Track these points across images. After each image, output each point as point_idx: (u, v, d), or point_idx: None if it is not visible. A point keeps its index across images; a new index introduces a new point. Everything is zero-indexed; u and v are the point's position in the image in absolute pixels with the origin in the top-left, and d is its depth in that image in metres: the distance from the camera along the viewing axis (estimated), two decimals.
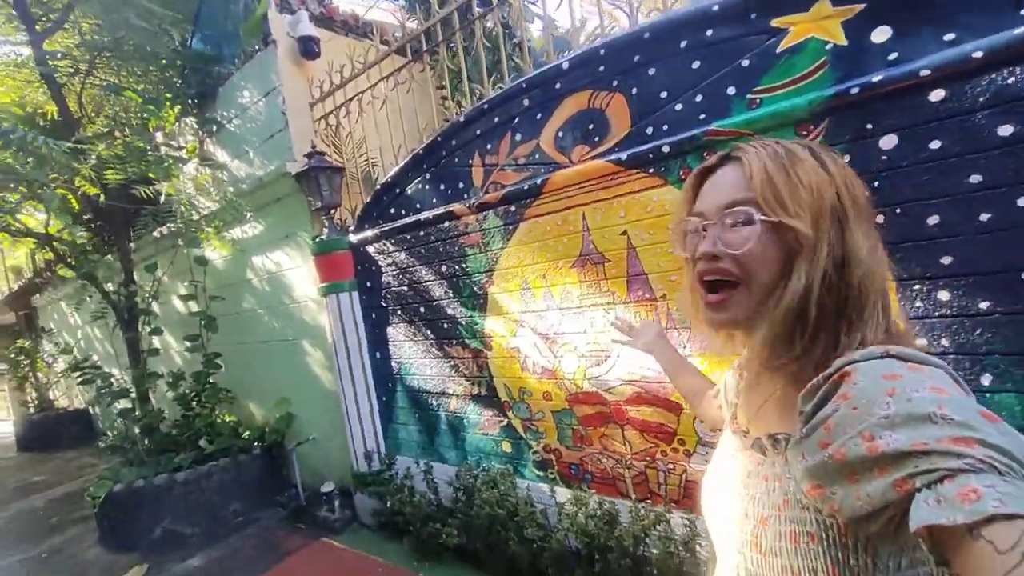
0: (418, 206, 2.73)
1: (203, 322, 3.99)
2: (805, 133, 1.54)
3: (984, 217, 1.32)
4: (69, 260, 4.61)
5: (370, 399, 3.16)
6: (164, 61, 3.87)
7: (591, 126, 2.02)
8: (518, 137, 2.25)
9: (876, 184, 1.45)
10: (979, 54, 1.27)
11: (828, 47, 1.50)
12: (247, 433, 3.97)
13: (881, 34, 1.42)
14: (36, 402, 8.47)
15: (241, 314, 4.10)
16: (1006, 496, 0.33)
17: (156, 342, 4.26)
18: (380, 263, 2.99)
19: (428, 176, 2.65)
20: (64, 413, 7.78)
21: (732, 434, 0.65)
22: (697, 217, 0.58)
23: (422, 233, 2.71)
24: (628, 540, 1.83)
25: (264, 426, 3.98)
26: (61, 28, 3.69)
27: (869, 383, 0.44)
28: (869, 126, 1.45)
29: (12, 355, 8.15)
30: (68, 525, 3.93)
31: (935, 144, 1.37)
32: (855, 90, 1.43)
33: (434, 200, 2.65)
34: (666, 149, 1.79)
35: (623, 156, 1.90)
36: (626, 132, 1.93)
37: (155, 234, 4.38)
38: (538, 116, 2.17)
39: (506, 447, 2.52)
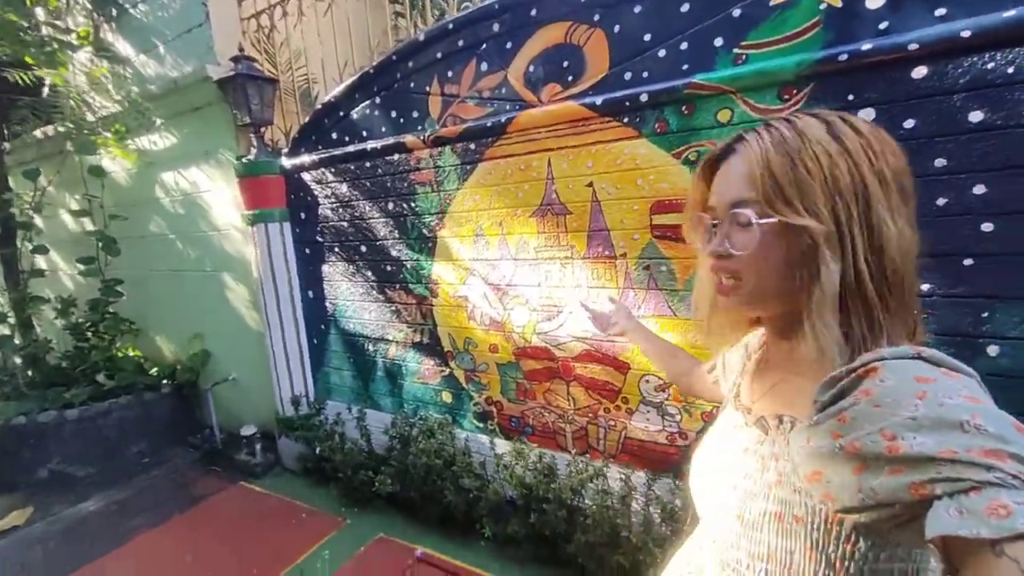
0: (364, 133, 2.45)
1: (100, 243, 3.47)
2: (788, 97, 1.49)
3: (941, 201, 1.35)
4: None
5: (300, 340, 2.94)
6: None
7: (566, 63, 1.85)
8: (484, 67, 2.03)
9: None
10: (967, 33, 1.25)
11: (823, 6, 1.42)
12: (155, 370, 3.61)
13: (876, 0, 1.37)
14: None
15: (148, 238, 3.62)
16: None
17: (41, 262, 3.68)
18: (317, 193, 2.70)
19: (378, 100, 2.37)
20: None
21: (734, 411, 0.64)
22: (709, 212, 0.57)
23: (368, 164, 2.45)
24: (566, 493, 1.85)
25: (175, 363, 3.63)
26: None
27: (898, 383, 0.42)
28: (851, 97, 1.42)
29: None
30: None
31: (909, 123, 1.37)
32: (843, 57, 1.38)
33: (383, 128, 2.38)
34: (644, 98, 1.68)
35: (597, 101, 1.77)
36: (603, 74, 1.79)
37: (37, 134, 3.69)
38: (508, 45, 1.95)
39: (446, 397, 2.45)
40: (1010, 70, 1.24)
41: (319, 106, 2.56)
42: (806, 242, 0.48)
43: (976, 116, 1.29)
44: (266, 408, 3.09)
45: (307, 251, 2.84)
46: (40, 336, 3.66)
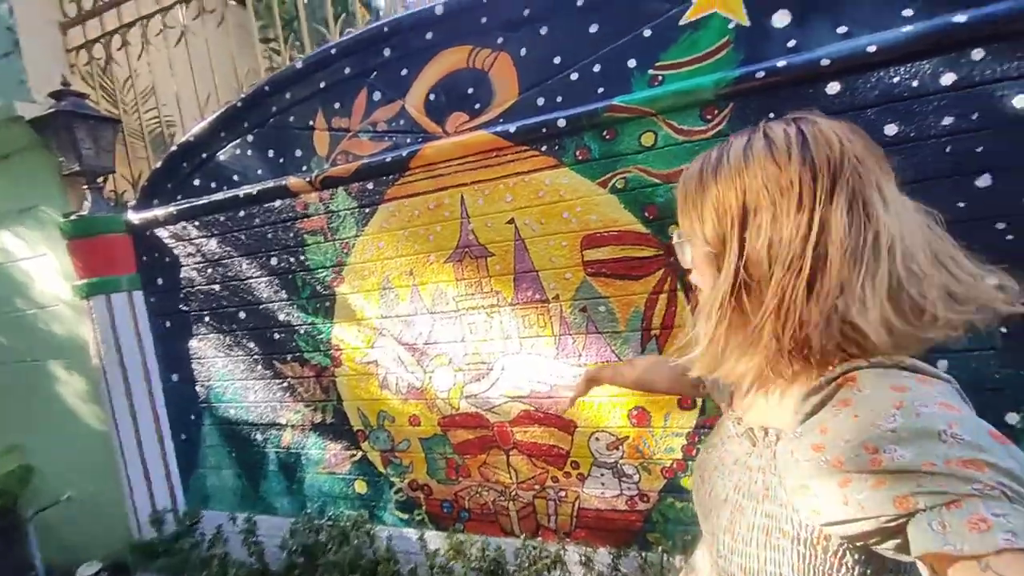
0: (235, 178, 2.05)
1: None
2: (710, 117, 1.41)
3: None
4: None
5: (161, 438, 2.32)
6: None
7: (471, 90, 1.66)
8: (377, 96, 1.77)
9: None
10: (873, 48, 1.25)
11: (731, 26, 1.38)
12: None
13: (782, 18, 1.34)
14: None
15: None
16: (1018, 528, 0.33)
17: None
18: (178, 252, 2.19)
19: (251, 139, 1.99)
20: None
21: (727, 420, 0.64)
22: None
23: (242, 213, 2.03)
24: None
25: None
26: None
27: (874, 392, 0.43)
28: (771, 115, 1.37)
29: None
30: None
31: None
32: (760, 74, 1.34)
33: (259, 171, 2.00)
34: (562, 123, 1.52)
35: (511, 128, 1.58)
36: (513, 100, 1.61)
37: None
38: (404, 72, 1.73)
39: (360, 487, 2.01)
40: (915, 83, 1.25)
41: (175, 148, 2.11)
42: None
43: (891, 129, 1.29)
44: (116, 532, 2.36)
45: (167, 324, 2.28)
46: None
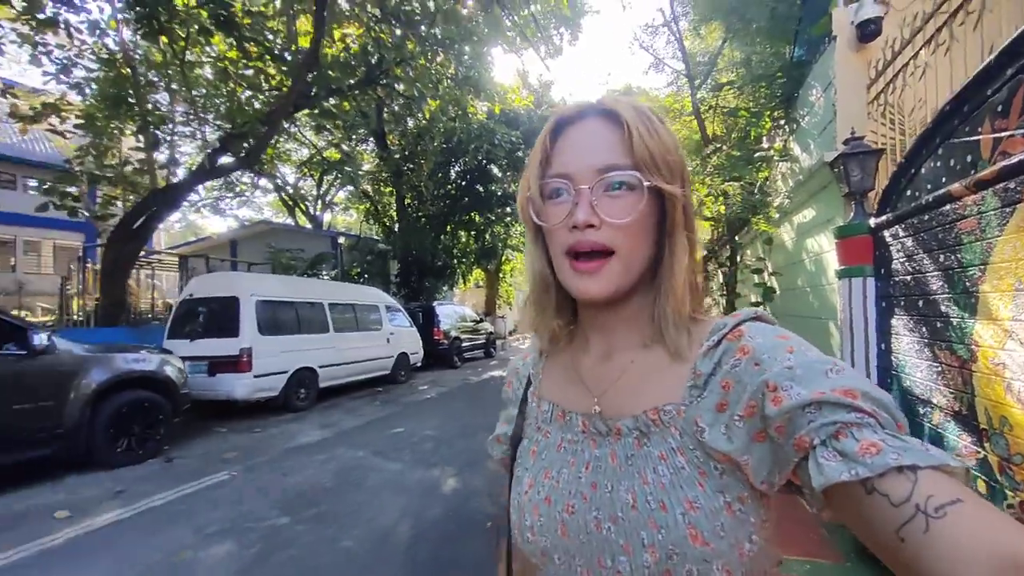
0: (929, 187, 2.42)
1: (763, 291, 4.90)
2: None
3: None
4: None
5: None
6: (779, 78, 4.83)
7: None
8: None
9: None
10: None
11: None
12: None
13: None
14: None
15: (796, 290, 4.68)
16: (899, 448, 0.35)
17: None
18: (892, 249, 2.82)
19: (939, 152, 2.31)
20: None
21: (569, 427, 0.57)
22: (563, 179, 0.50)
23: (926, 217, 2.40)
24: None
25: None
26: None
27: (766, 340, 0.46)
28: None
29: None
30: None
31: None
32: None
33: (943, 179, 2.29)
34: None
35: None
36: None
37: None
38: None
39: (980, 487, 1.99)
40: None
41: (896, 167, 2.72)
42: (659, 213, 0.51)
43: None
44: None
45: (883, 304, 2.96)
46: None
